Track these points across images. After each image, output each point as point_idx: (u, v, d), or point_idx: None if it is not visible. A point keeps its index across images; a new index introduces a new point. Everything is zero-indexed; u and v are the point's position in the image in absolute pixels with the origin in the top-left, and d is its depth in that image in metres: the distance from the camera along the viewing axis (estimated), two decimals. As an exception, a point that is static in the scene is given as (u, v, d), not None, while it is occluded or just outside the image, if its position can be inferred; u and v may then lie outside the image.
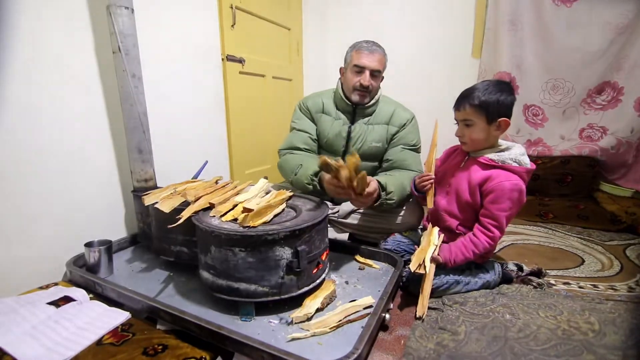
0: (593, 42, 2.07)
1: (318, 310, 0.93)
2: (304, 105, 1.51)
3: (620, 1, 1.97)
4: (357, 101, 1.39)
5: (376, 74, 1.37)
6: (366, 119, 1.44)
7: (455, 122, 1.17)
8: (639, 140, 2.11)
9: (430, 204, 1.21)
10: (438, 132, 1.26)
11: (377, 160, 1.48)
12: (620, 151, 2.14)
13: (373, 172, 1.48)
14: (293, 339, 0.82)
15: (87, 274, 1.08)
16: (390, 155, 1.43)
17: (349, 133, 1.44)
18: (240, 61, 1.95)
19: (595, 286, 1.22)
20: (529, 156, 1.13)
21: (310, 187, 1.25)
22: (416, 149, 1.47)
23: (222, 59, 1.83)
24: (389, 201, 1.23)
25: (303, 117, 1.51)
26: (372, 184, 1.15)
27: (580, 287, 1.21)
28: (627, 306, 1.05)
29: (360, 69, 1.35)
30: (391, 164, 1.42)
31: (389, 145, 1.45)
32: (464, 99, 1.10)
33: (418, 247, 1.13)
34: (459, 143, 1.26)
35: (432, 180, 1.21)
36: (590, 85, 2.15)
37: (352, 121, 1.45)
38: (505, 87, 1.09)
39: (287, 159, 1.41)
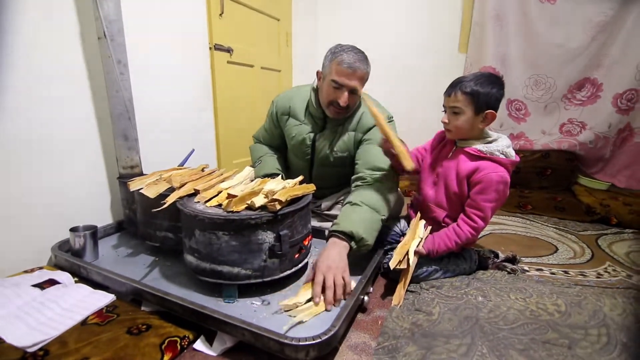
0: (575, 39, 2.13)
1: (308, 301, 0.92)
2: (274, 104, 1.46)
3: (602, -1, 2.03)
4: (332, 117, 1.31)
5: (355, 92, 1.23)
6: (337, 127, 1.36)
7: (443, 109, 1.16)
8: (616, 136, 2.19)
9: (409, 165, 1.09)
10: (395, 130, 1.24)
11: (345, 166, 1.38)
12: (598, 146, 2.22)
13: (338, 178, 1.45)
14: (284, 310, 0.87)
15: (72, 258, 1.09)
16: (358, 156, 1.31)
17: (313, 142, 1.38)
18: (229, 50, 1.95)
19: (566, 272, 1.28)
20: None
21: None
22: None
23: (210, 48, 1.83)
24: (362, 248, 1.06)
25: (270, 118, 1.48)
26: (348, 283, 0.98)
27: (552, 274, 1.27)
28: (594, 290, 1.11)
29: (338, 86, 1.20)
30: (358, 168, 1.28)
31: (357, 149, 1.34)
32: (456, 85, 1.10)
33: (402, 236, 1.16)
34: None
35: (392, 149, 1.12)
36: (571, 81, 2.21)
37: (323, 127, 1.37)
38: (497, 81, 1.09)
39: (254, 149, 1.57)
